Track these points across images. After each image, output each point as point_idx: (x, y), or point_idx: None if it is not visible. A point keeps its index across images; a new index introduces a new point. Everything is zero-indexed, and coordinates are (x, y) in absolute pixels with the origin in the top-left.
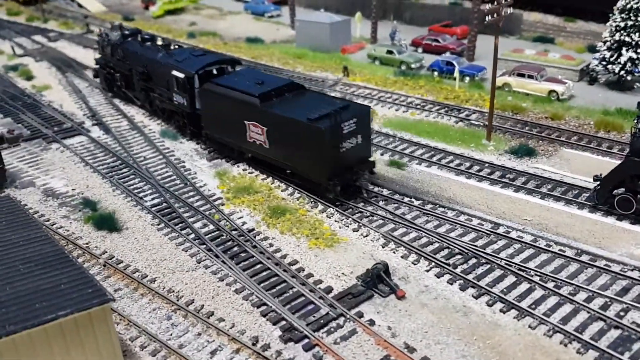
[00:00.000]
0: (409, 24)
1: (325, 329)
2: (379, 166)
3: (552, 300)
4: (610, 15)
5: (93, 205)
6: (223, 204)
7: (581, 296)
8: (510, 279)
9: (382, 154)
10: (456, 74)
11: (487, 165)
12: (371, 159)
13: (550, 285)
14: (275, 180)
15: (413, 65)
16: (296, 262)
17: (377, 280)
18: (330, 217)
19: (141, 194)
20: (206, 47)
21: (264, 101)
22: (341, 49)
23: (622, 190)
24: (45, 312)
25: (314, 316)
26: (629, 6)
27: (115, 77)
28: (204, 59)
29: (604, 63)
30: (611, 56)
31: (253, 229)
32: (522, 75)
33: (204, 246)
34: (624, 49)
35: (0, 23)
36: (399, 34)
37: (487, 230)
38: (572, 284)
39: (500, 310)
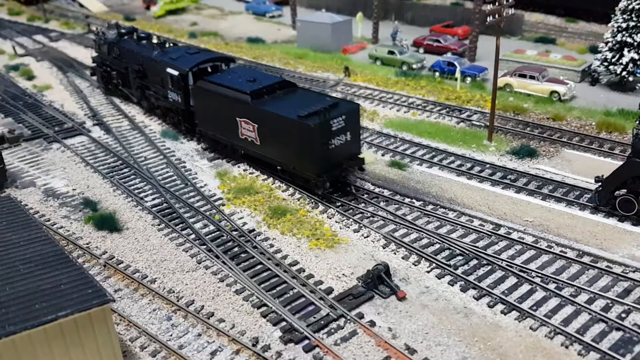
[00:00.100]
0: (411, 24)
1: (326, 330)
2: (379, 167)
3: (554, 302)
4: (612, 16)
5: (93, 205)
6: (223, 205)
7: (582, 298)
8: (512, 280)
9: (383, 155)
10: (457, 75)
11: (488, 166)
12: (361, 155)
13: (552, 286)
14: (276, 181)
15: (414, 66)
16: (297, 263)
17: (378, 281)
18: (331, 218)
19: (142, 194)
20: (207, 47)
21: (255, 98)
22: (342, 49)
23: (623, 191)
24: (45, 313)
25: (314, 317)
26: (630, 7)
27: (112, 75)
28: (198, 57)
29: (605, 64)
30: (613, 57)
31: (253, 230)
32: (524, 76)
33: (205, 247)
34: (626, 49)
35: (2, 23)
36: (400, 34)
37: (488, 231)
38: (574, 286)
39: (502, 312)
